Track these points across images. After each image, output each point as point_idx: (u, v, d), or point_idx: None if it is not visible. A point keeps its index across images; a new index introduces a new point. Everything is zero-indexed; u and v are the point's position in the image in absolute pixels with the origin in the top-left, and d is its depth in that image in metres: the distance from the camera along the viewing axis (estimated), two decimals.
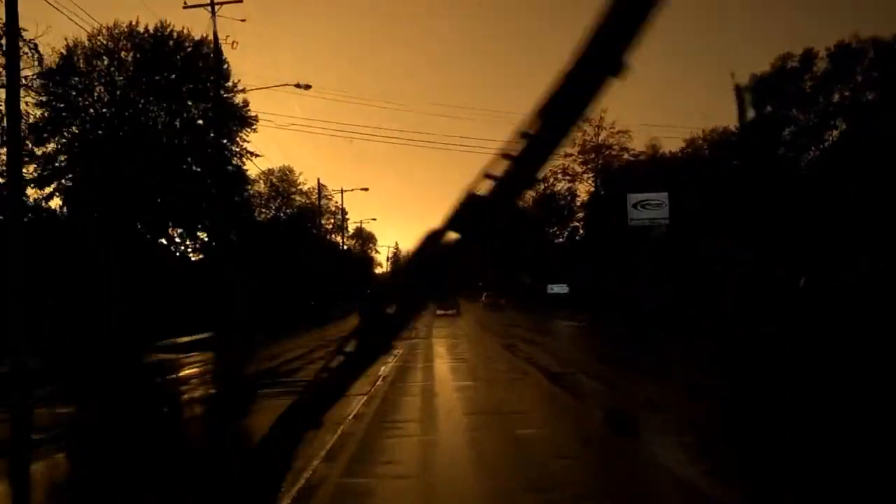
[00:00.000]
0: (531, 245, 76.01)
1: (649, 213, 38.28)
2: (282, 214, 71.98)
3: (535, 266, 71.14)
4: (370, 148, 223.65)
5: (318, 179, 66.07)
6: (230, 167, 51.19)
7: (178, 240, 52.93)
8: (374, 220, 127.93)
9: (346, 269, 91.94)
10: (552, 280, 68.06)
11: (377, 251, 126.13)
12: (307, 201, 76.01)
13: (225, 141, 50.38)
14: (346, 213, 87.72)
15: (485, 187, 1.41)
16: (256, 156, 53.34)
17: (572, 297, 64.58)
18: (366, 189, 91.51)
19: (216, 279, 41.07)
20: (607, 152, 53.47)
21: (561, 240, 66.27)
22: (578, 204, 57.38)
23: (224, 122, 48.76)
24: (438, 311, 54.27)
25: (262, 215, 70.80)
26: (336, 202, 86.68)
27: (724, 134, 46.82)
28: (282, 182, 73.01)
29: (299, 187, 73.34)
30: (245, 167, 53.14)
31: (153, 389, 17.56)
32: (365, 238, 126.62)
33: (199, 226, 52.54)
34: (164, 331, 30.83)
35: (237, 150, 52.38)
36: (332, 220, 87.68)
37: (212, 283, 40.16)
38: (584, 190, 55.36)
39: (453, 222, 1.44)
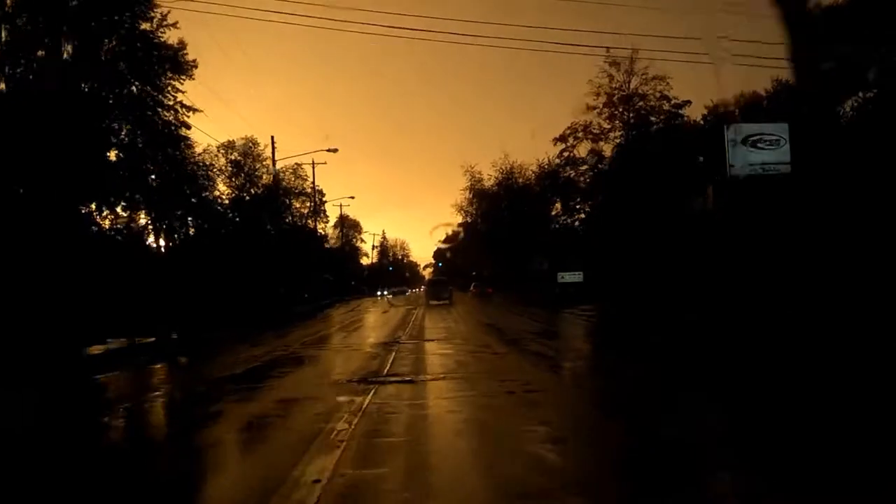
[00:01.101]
0: (541, 228, 63.56)
1: (760, 154, 25.16)
2: (245, 195, 59.15)
3: (553, 251, 58.38)
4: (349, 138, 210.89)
5: (272, 137, 52.03)
6: (161, 120, 38.74)
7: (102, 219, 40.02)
8: (352, 198, 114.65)
9: (324, 259, 78.93)
10: (565, 267, 55.35)
11: (363, 240, 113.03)
12: (280, 178, 62.97)
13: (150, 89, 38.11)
14: (323, 194, 74.44)
15: None
16: (194, 110, 40.40)
17: (587, 287, 52.03)
18: (352, 197, 77.79)
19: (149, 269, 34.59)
20: (640, 103, 40.53)
21: (580, 217, 52.95)
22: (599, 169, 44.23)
23: (150, 64, 36.51)
24: (432, 301, 51.97)
25: (224, 197, 57.80)
26: (311, 184, 73.61)
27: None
28: (245, 157, 59.78)
29: (265, 163, 60.07)
30: (182, 125, 40.29)
31: None
32: (349, 226, 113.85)
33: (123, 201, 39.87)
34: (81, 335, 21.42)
35: (170, 102, 39.61)
36: (309, 204, 74.55)
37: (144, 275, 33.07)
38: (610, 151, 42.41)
39: None
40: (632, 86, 41.17)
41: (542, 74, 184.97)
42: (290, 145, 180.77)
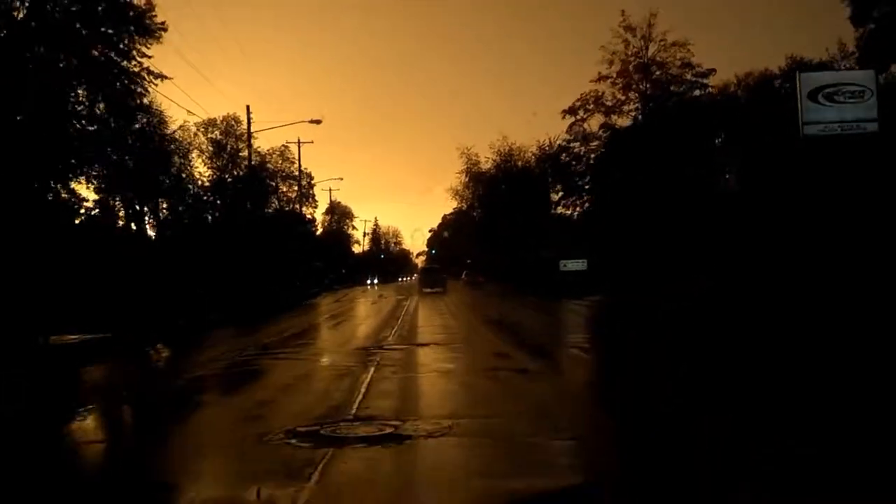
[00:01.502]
0: (541, 214, 58.61)
1: (841, 110, 19.92)
2: (227, 177, 53.99)
3: (553, 237, 53.72)
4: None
5: (248, 108, 46.06)
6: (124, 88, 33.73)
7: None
8: (341, 179, 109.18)
9: (313, 245, 73.85)
10: (567, 254, 50.53)
11: (354, 227, 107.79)
12: (265, 161, 57.95)
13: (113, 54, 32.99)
14: (312, 177, 69.35)
15: None
16: (163, 77, 35.15)
17: (591, 276, 47.24)
18: (340, 178, 71.50)
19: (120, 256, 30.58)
20: (658, 72, 35.53)
21: (584, 201, 48.01)
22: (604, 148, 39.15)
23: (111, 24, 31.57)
24: (425, 290, 50.19)
25: (204, 179, 52.75)
26: (298, 165, 68.36)
27: None
28: (226, 136, 54.47)
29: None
30: (147, 94, 35.08)
31: None
32: (341, 212, 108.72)
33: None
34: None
35: (135, 68, 34.27)
36: (295, 188, 69.32)
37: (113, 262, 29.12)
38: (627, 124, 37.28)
39: None
40: (649, 53, 36.16)
41: (545, 53, 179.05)
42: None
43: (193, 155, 53.15)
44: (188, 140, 51.14)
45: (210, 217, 53.67)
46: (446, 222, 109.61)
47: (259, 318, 29.14)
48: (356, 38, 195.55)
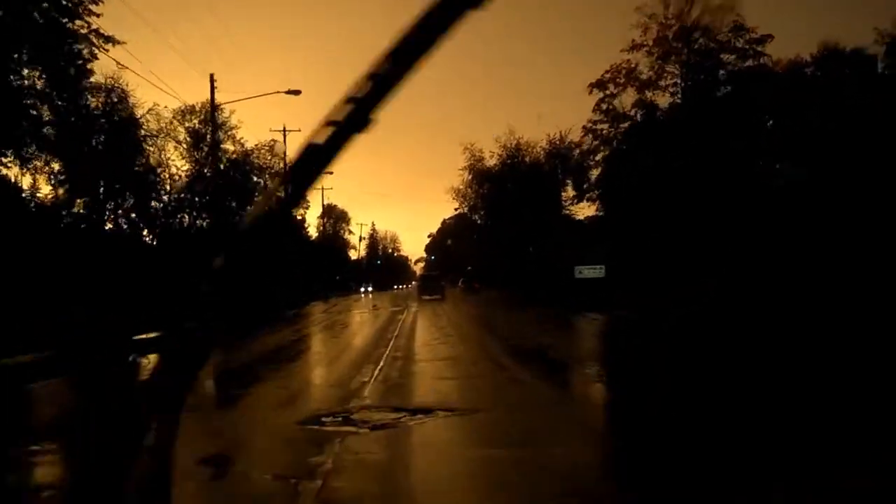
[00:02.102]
0: (552, 214, 52.07)
1: None
2: (206, 171, 47.38)
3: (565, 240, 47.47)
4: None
5: (212, 76, 38.29)
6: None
7: None
8: (330, 173, 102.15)
9: (304, 250, 67.11)
10: (585, 260, 44.02)
11: (351, 232, 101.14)
12: (249, 154, 51.46)
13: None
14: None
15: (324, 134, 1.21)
16: (114, 42, 29.15)
17: (610, 283, 40.94)
18: (330, 172, 63.82)
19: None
20: (701, 40, 29.01)
21: (594, 196, 41.61)
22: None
23: None
24: (424, 297, 49.48)
25: (182, 173, 46.52)
26: (283, 157, 61.69)
27: None
28: (206, 125, 47.80)
29: (232, 132, 48.37)
30: (93, 59, 29.07)
31: None
32: (336, 216, 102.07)
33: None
34: None
35: (82, 30, 28.76)
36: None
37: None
38: (665, 103, 30.51)
39: (293, 172, 1.31)
40: (692, 16, 29.55)
41: (550, 51, 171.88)
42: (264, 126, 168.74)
43: (170, 147, 46.77)
44: (164, 128, 44.74)
45: (187, 216, 47.24)
46: (446, 227, 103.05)
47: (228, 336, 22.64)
48: (352, 32, 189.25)
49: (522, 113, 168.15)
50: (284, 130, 50.41)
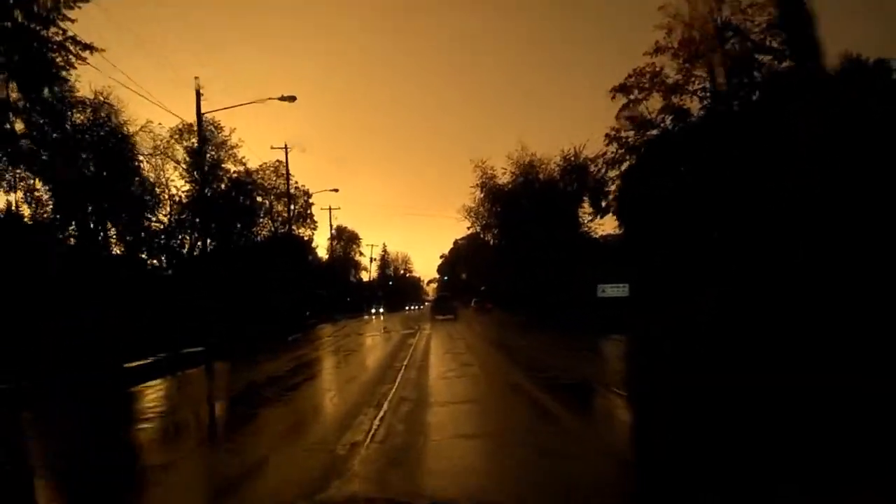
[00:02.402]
0: (569, 232, 49.09)
1: None
2: (207, 192, 44.68)
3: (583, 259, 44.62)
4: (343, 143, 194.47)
5: (196, 78, 36.04)
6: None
7: None
8: (336, 191, 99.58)
9: (312, 272, 64.31)
10: (607, 278, 40.90)
11: (361, 253, 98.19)
12: (250, 173, 48.85)
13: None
14: (309, 195, 60.02)
15: None
16: (92, 49, 26.72)
17: (634, 304, 37.80)
18: (336, 190, 59.67)
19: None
20: (734, 39, 26.21)
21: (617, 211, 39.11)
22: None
23: None
24: (437, 317, 49.36)
25: (181, 193, 44.00)
26: (294, 184, 59.30)
27: None
28: (205, 144, 45.09)
29: (233, 150, 45.72)
30: (69, 67, 26.52)
31: None
32: (347, 238, 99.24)
33: None
34: None
35: (56, 37, 26.25)
36: (292, 207, 60.02)
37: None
38: (694, 108, 27.36)
39: None
40: (723, 15, 26.62)
41: (564, 62, 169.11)
42: (262, 138, 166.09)
43: (170, 167, 44.14)
44: (159, 147, 42.19)
45: (189, 237, 44.47)
46: (459, 247, 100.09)
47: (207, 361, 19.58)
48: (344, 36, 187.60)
49: (536, 127, 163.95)
50: (286, 148, 47.60)
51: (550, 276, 47.60)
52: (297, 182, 59.87)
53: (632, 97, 26.30)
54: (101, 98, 33.04)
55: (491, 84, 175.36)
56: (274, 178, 60.40)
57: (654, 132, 26.94)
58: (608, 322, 32.80)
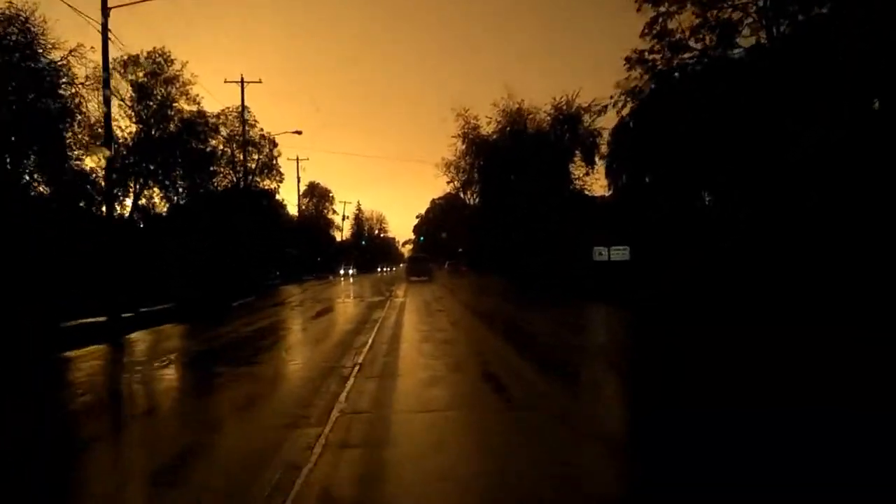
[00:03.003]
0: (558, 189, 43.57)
1: None
2: (154, 132, 38.33)
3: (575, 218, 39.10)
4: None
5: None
6: None
7: None
8: (299, 133, 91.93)
9: (278, 229, 58.12)
10: (605, 240, 35.45)
11: (334, 211, 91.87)
12: (209, 119, 42.12)
13: None
14: (275, 144, 53.47)
15: None
16: None
17: (636, 269, 32.69)
18: (298, 132, 51.33)
19: None
20: None
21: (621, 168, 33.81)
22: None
23: None
24: (412, 278, 47.74)
25: (125, 134, 37.39)
26: (259, 131, 52.97)
27: None
28: (152, 77, 38.55)
29: (185, 87, 39.06)
30: None
31: None
32: (318, 194, 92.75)
33: None
34: None
35: None
36: (256, 156, 53.73)
37: None
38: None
39: None
40: None
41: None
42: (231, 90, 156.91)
43: (114, 106, 37.44)
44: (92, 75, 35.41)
45: (134, 186, 38.07)
46: (436, 207, 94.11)
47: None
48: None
49: (524, 79, 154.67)
50: (242, 82, 41.04)
51: (538, 237, 41.97)
52: (262, 129, 53.30)
53: (662, 9, 20.20)
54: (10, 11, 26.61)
55: (475, 33, 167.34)
56: (237, 125, 53.96)
57: (688, 56, 20.92)
58: (608, 288, 27.71)
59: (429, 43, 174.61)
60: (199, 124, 39.27)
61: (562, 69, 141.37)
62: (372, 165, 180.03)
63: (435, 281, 45.41)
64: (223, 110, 52.00)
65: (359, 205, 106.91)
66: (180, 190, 40.52)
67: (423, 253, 70.55)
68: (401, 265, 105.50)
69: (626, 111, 27.11)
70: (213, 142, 42.17)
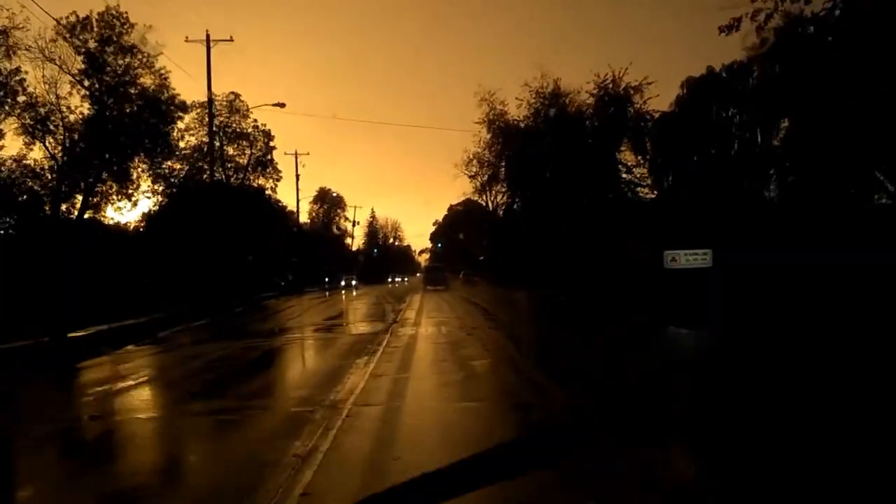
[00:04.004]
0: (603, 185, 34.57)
1: None
2: (109, 111, 29.83)
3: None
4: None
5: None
6: None
7: None
8: (283, 105, 78.31)
9: (276, 234, 49.06)
10: (678, 242, 26.08)
11: (346, 218, 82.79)
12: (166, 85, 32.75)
13: None
14: (270, 136, 44.50)
15: None
16: None
17: (717, 277, 23.37)
18: (282, 105, 41.77)
19: None
20: None
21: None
22: None
23: None
24: (428, 287, 45.95)
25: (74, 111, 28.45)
26: (253, 122, 44.26)
27: None
28: (105, 44, 29.97)
29: (150, 59, 30.40)
30: None
31: None
32: (329, 201, 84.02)
33: None
34: None
35: None
36: (248, 151, 45.07)
37: None
38: None
39: None
40: None
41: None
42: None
43: (65, 83, 29.10)
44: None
45: (83, 179, 29.42)
46: (453, 213, 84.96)
47: None
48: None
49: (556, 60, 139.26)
50: (208, 38, 31.90)
51: (584, 241, 32.68)
52: (255, 120, 44.49)
53: None
54: None
55: (499, 23, 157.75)
56: (227, 115, 45.18)
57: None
58: (687, 307, 19.12)
59: (451, 28, 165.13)
60: (162, 102, 30.32)
61: (598, 46, 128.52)
62: (387, 171, 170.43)
63: (454, 292, 36.50)
64: (212, 96, 43.26)
65: (373, 212, 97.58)
66: (143, 185, 31.78)
67: (439, 263, 65.80)
68: (417, 275, 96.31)
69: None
70: (180, 124, 33.10)
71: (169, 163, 33.08)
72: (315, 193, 79.13)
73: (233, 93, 43.51)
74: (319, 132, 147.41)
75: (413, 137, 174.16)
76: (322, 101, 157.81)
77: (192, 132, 43.94)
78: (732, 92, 29.69)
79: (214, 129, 44.90)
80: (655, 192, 36.87)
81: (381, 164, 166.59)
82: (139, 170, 30.90)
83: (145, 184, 32.12)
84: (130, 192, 30.73)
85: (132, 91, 29.83)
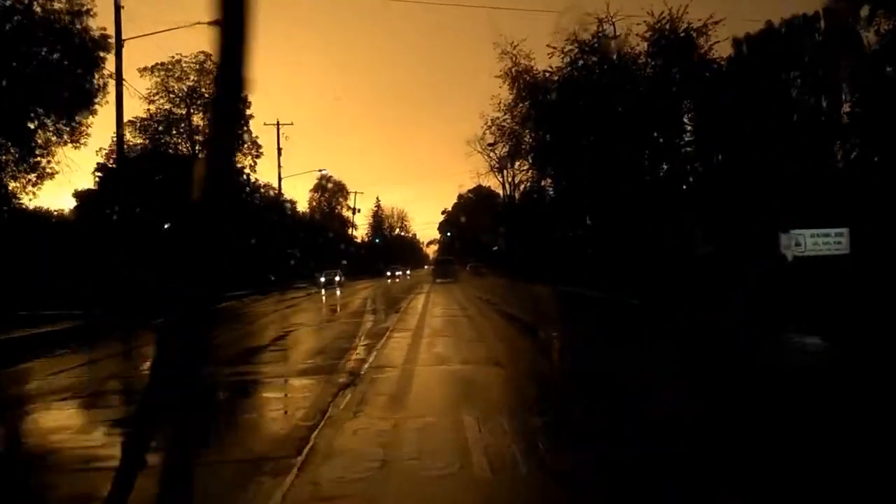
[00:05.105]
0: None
1: None
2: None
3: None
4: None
5: None
6: None
7: None
8: (291, 124, 66.28)
9: (254, 223, 39.71)
10: (798, 220, 16.74)
11: (348, 207, 73.54)
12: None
13: None
14: (247, 106, 35.22)
15: None
16: None
17: (858, 266, 13.64)
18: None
19: None
20: None
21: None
22: None
23: None
24: (438, 279, 41.92)
25: None
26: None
27: None
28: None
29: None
30: None
31: None
32: (332, 190, 74.96)
33: None
34: None
35: None
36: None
37: None
38: None
39: None
40: None
41: None
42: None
43: None
44: None
45: None
46: (464, 201, 75.84)
47: None
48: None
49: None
50: None
51: (639, 223, 23.54)
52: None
53: None
54: None
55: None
56: (195, 78, 36.33)
57: None
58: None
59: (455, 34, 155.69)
60: (74, 35, 21.28)
61: None
62: (394, 160, 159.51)
63: (467, 292, 27.66)
64: (173, 57, 34.63)
65: (378, 201, 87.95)
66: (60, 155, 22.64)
67: (449, 255, 59.45)
68: (425, 267, 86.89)
69: None
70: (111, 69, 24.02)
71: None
72: (316, 181, 70.23)
73: (203, 52, 34.77)
74: (323, 116, 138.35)
75: (423, 123, 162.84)
76: (325, 83, 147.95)
77: (153, 100, 35.30)
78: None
79: (182, 94, 36.11)
80: (699, 164, 28.29)
81: (387, 151, 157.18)
82: (49, 132, 21.85)
83: (69, 154, 22.84)
84: (38, 160, 21.79)
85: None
